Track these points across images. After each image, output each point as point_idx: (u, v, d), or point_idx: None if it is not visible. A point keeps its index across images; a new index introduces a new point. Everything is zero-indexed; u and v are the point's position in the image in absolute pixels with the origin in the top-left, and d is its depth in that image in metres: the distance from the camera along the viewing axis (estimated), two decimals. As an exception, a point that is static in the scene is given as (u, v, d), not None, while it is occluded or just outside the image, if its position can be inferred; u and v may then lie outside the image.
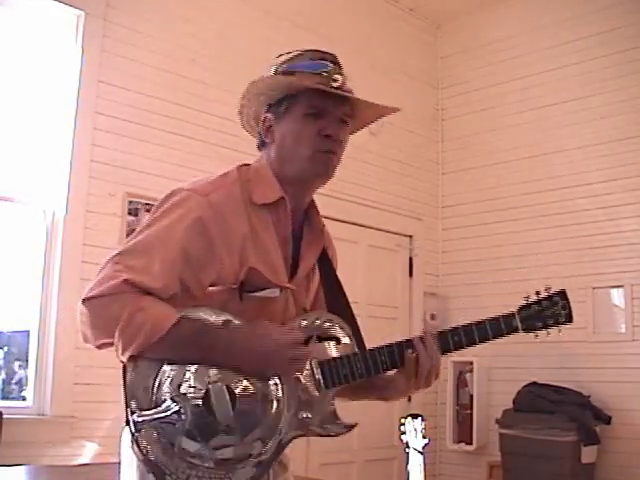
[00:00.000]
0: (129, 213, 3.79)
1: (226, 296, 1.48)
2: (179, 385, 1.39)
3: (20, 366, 3.66)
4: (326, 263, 1.71)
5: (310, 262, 1.66)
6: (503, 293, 5.03)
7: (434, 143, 5.71)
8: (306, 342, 1.52)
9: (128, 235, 3.74)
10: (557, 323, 1.66)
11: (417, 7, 5.59)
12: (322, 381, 1.55)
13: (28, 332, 3.55)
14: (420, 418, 2.38)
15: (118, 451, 1.55)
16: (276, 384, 1.48)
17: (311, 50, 1.63)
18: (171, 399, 1.38)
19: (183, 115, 4.06)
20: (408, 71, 5.56)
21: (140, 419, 1.36)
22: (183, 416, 1.37)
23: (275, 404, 1.47)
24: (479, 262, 5.25)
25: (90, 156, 3.68)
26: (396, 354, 1.60)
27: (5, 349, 3.72)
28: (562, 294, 1.68)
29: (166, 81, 4.03)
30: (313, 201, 1.68)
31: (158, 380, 1.39)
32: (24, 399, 3.52)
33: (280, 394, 1.49)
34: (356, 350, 1.61)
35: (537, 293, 1.68)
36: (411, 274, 5.38)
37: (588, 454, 4.31)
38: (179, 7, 4.18)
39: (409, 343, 1.61)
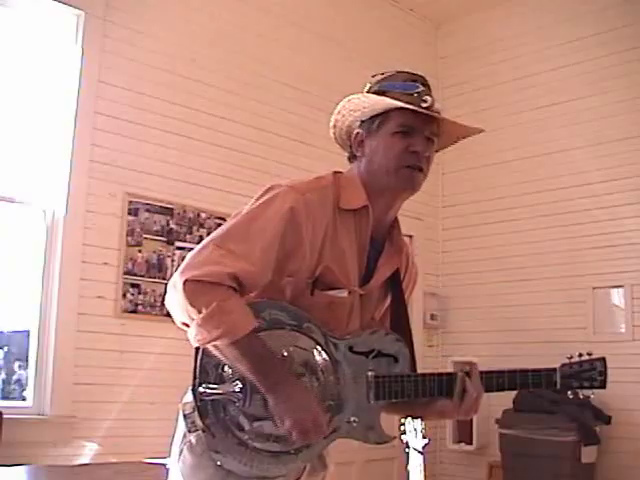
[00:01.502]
0: (129, 213, 3.79)
1: (299, 289, 1.58)
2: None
3: (20, 366, 3.66)
4: (397, 284, 1.79)
5: (383, 275, 1.73)
6: (503, 293, 5.04)
7: (434, 143, 5.70)
8: (367, 354, 1.66)
9: (128, 235, 3.78)
10: (591, 387, 1.86)
11: (417, 7, 5.59)
12: (374, 393, 1.65)
13: (28, 332, 3.55)
14: (420, 418, 2.38)
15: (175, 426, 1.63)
16: (338, 383, 1.61)
17: (404, 72, 1.74)
18: (238, 379, 1.49)
19: (183, 115, 4.06)
20: (408, 71, 5.56)
21: (207, 390, 1.48)
22: (243, 396, 1.49)
23: (331, 402, 1.59)
24: (479, 262, 5.25)
25: (90, 156, 3.68)
26: (444, 384, 1.71)
27: (5, 349, 3.72)
28: (603, 361, 1.85)
29: (166, 81, 4.03)
30: (398, 221, 1.78)
31: (227, 364, 1.51)
32: (24, 399, 3.52)
33: (338, 393, 1.61)
34: (409, 372, 1.72)
35: (580, 355, 1.89)
36: (411, 274, 5.37)
37: (588, 454, 4.31)
38: (179, 7, 4.18)
39: (455, 376, 1.72)
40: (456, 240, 5.52)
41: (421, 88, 1.70)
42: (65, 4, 3.65)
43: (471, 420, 5.06)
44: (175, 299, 1.48)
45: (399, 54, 5.50)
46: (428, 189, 5.63)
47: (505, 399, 4.70)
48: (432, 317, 5.36)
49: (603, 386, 1.82)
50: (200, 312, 1.44)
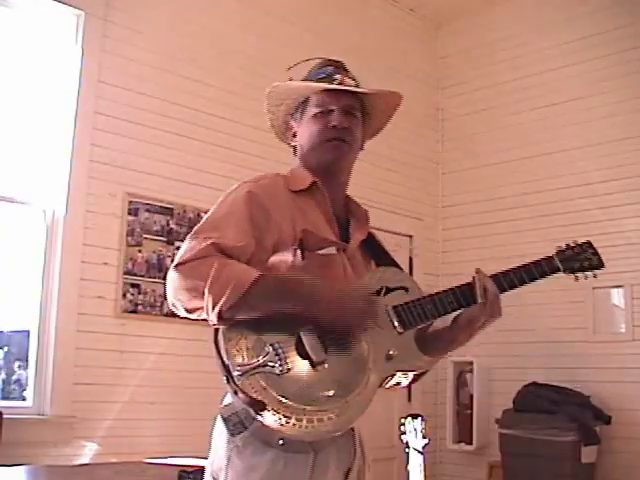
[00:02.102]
0: (129, 213, 3.79)
1: (290, 260, 1.62)
2: (271, 336, 1.50)
3: (20, 366, 3.66)
4: (376, 248, 1.91)
5: (358, 239, 1.83)
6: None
7: (434, 143, 5.71)
8: (377, 293, 1.69)
9: (128, 235, 3.78)
10: (591, 267, 1.87)
11: (417, 7, 5.59)
12: (399, 322, 1.67)
13: (28, 332, 3.55)
14: (420, 418, 2.38)
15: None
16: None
17: (322, 59, 1.87)
18: (269, 345, 1.48)
19: (183, 115, 4.06)
20: (408, 71, 5.56)
21: (240, 371, 1.45)
22: (279, 359, 1.48)
23: (363, 344, 1.59)
24: (479, 262, 5.22)
25: (90, 156, 3.68)
26: (463, 293, 1.77)
27: (5, 349, 3.72)
28: (589, 243, 1.90)
29: (166, 81, 4.03)
30: (349, 197, 1.90)
31: (251, 336, 1.50)
32: (24, 399, 3.52)
33: (364, 335, 1.60)
34: (428, 294, 1.75)
35: (567, 245, 1.90)
36: (411, 274, 5.38)
37: (588, 454, 4.31)
38: (179, 7, 4.18)
39: (472, 280, 1.80)
40: (456, 240, 5.52)
41: (330, 69, 1.81)
42: (65, 4, 3.65)
43: (471, 420, 5.07)
44: (177, 288, 1.51)
45: (399, 54, 5.51)
46: (428, 189, 5.64)
47: (505, 399, 4.71)
48: (432, 317, 5.37)
49: (602, 264, 1.87)
50: (206, 278, 1.46)
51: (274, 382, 1.46)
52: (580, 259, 1.88)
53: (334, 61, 1.85)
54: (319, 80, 1.78)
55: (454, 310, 1.75)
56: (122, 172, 3.79)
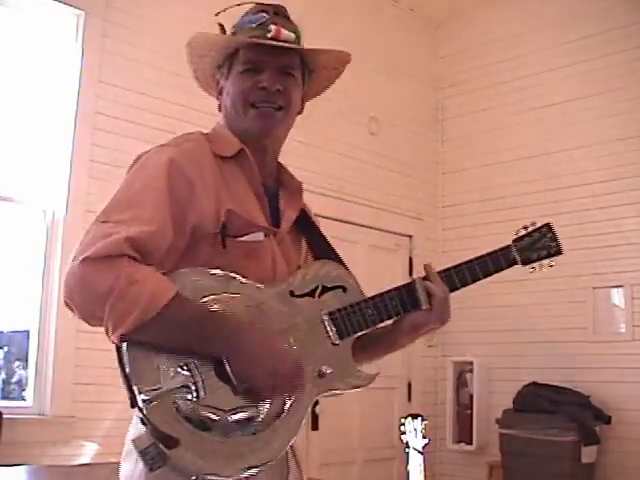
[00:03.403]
0: (129, 213, 3.78)
1: (209, 247, 1.39)
2: (185, 354, 1.29)
3: (20, 366, 3.66)
4: (308, 224, 1.63)
5: (290, 218, 1.57)
6: (503, 293, 5.03)
7: (434, 143, 5.71)
8: (312, 293, 1.48)
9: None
10: (549, 255, 1.70)
11: (417, 7, 5.59)
12: (336, 332, 1.47)
13: (28, 332, 3.55)
14: (420, 418, 2.38)
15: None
16: (289, 342, 1.40)
17: (255, 3, 1.61)
18: (184, 365, 1.27)
19: (183, 115, 4.06)
20: (408, 71, 5.56)
21: (149, 396, 1.25)
22: (194, 383, 1.27)
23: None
24: (479, 262, 5.24)
25: (90, 156, 3.68)
26: (406, 296, 1.56)
27: (5, 349, 3.72)
28: (548, 226, 1.73)
29: (166, 81, 4.03)
30: (282, 165, 1.64)
31: (161, 354, 1.28)
32: (24, 399, 3.52)
33: (296, 351, 1.41)
34: (365, 296, 1.55)
35: (525, 227, 1.77)
36: (411, 274, 5.37)
37: (588, 454, 4.31)
38: (179, 7, 4.18)
39: (413, 283, 1.57)
40: (456, 240, 5.52)
41: (266, 17, 1.54)
42: (65, 4, 3.65)
43: (471, 420, 5.07)
44: (76, 291, 1.26)
45: (399, 54, 5.51)
46: (428, 189, 5.64)
47: (505, 399, 4.71)
48: (432, 317, 5.37)
49: (560, 251, 1.70)
50: (110, 292, 1.22)
51: (187, 410, 1.26)
52: (538, 247, 1.72)
53: (270, 5, 1.58)
54: (251, 30, 1.52)
55: (398, 315, 1.55)
56: (122, 172, 3.76)
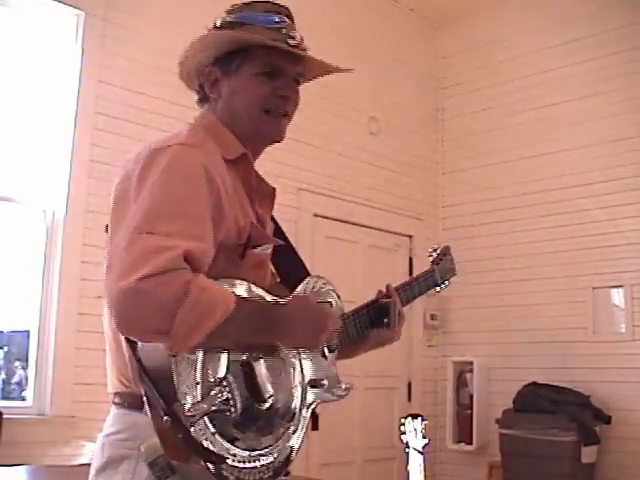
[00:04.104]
0: (129, 213, 3.78)
1: (226, 258, 1.36)
2: (220, 368, 1.30)
3: (20, 366, 3.66)
4: (278, 226, 1.63)
5: (271, 226, 1.58)
6: (503, 293, 5.04)
7: (434, 143, 5.71)
8: None
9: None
10: (453, 275, 2.01)
11: (417, 7, 5.59)
12: (327, 346, 1.56)
13: (28, 332, 3.55)
14: (420, 418, 2.38)
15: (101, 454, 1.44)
16: (294, 355, 1.46)
17: (263, 1, 1.53)
18: (222, 381, 1.27)
19: (183, 115, 4.04)
20: (408, 71, 5.56)
21: (193, 414, 1.21)
22: (233, 400, 1.28)
23: (298, 374, 1.46)
24: (479, 262, 5.25)
25: (90, 156, 3.68)
26: (378, 314, 1.71)
27: (5, 349, 3.72)
28: (448, 248, 2.00)
29: (166, 81, 4.03)
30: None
31: (199, 370, 1.26)
32: (24, 399, 3.52)
33: (298, 364, 1.46)
34: (346, 313, 1.66)
35: (434, 250, 1.98)
36: (411, 274, 5.38)
37: (588, 454, 4.31)
38: (179, 7, 4.18)
39: (382, 301, 1.73)
40: (456, 240, 5.51)
41: (287, 22, 1.52)
42: (65, 4, 3.65)
43: (471, 420, 5.07)
44: (132, 309, 1.16)
45: (399, 54, 5.51)
46: (428, 189, 5.64)
47: (505, 399, 4.71)
48: (432, 317, 5.37)
49: (455, 272, 2.01)
50: (179, 301, 1.15)
51: (223, 427, 1.25)
52: (447, 269, 1.96)
53: (284, 7, 1.55)
54: (266, 30, 1.46)
55: (367, 331, 1.69)
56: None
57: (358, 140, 5.05)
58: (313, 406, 1.49)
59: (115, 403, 1.41)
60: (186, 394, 1.22)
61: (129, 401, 1.35)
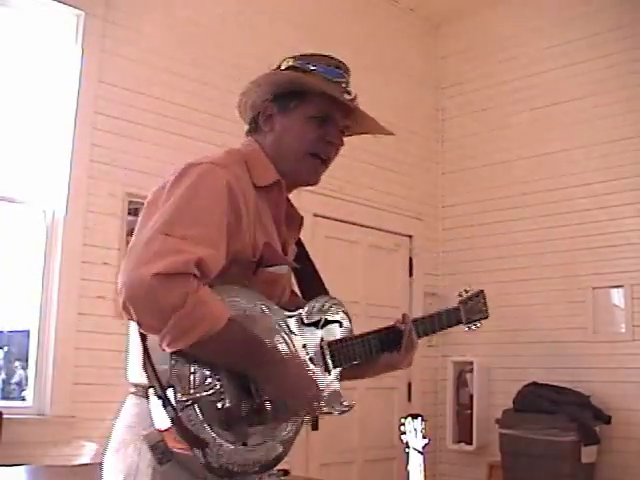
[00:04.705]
0: (129, 213, 3.78)
1: (239, 272, 1.48)
2: (216, 367, 1.42)
3: (20, 366, 3.66)
4: (304, 254, 1.77)
5: (294, 250, 1.72)
6: (503, 293, 5.03)
7: (434, 143, 5.71)
8: (317, 323, 1.66)
9: (128, 235, 3.77)
10: (483, 318, 2.03)
11: (417, 7, 5.59)
12: (331, 362, 1.65)
13: (28, 332, 3.55)
14: (420, 418, 2.38)
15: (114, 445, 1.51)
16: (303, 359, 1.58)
17: (327, 55, 1.69)
18: (215, 376, 1.40)
19: (183, 115, 4.06)
20: (408, 71, 5.56)
21: (183, 399, 1.35)
22: (223, 394, 1.40)
23: None
24: (479, 262, 5.25)
25: (90, 156, 3.68)
26: (391, 338, 1.77)
27: (5, 349, 3.72)
28: (482, 293, 2.04)
29: (166, 81, 4.03)
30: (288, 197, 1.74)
31: (197, 364, 1.39)
32: (24, 399, 3.52)
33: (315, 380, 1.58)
34: (357, 334, 1.74)
35: (465, 291, 2.02)
36: (411, 274, 5.38)
37: (588, 454, 4.31)
38: (179, 7, 4.18)
39: (396, 326, 1.80)
40: (456, 240, 5.52)
41: (345, 77, 1.65)
42: (65, 4, 3.65)
43: (471, 420, 5.07)
44: (140, 300, 1.32)
45: (399, 54, 5.51)
46: (428, 189, 5.64)
47: (505, 399, 4.71)
48: (432, 317, 5.36)
49: (487, 316, 2.05)
50: (175, 309, 1.29)
51: (212, 416, 1.37)
52: (476, 310, 2.01)
53: (343, 63, 1.69)
54: (326, 80, 1.61)
55: (377, 354, 1.76)
56: (122, 172, 3.79)
57: (358, 140, 5.04)
58: (311, 417, 1.61)
59: (131, 392, 1.57)
60: (181, 381, 1.36)
61: (139, 388, 1.50)
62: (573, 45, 5.00)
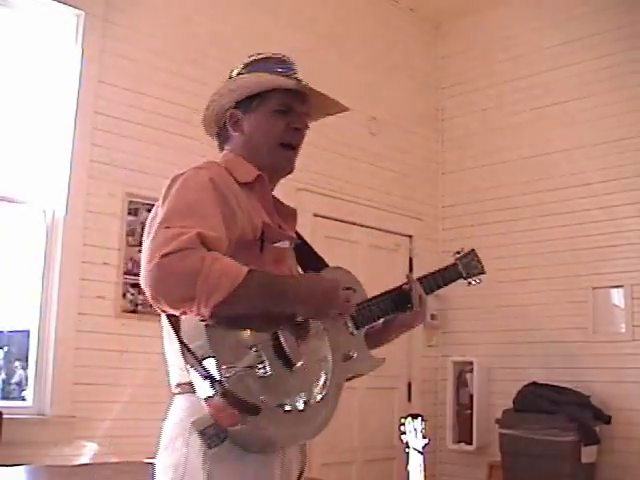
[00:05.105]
0: (129, 213, 3.79)
1: (247, 253, 1.56)
2: (250, 336, 1.48)
3: (20, 366, 3.66)
4: (302, 240, 1.88)
5: (293, 234, 1.81)
6: (503, 293, 5.04)
7: (434, 143, 5.71)
8: None
9: (128, 235, 3.77)
10: (480, 273, 2.19)
11: (417, 7, 5.59)
12: (352, 324, 1.77)
13: (28, 332, 3.55)
14: (420, 418, 2.38)
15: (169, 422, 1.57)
16: (322, 329, 1.66)
17: (272, 55, 1.83)
18: (252, 346, 1.46)
19: (183, 115, 4.06)
20: (408, 71, 5.56)
21: (229, 372, 1.40)
22: (262, 364, 1.46)
23: (326, 345, 1.66)
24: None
25: (90, 156, 3.68)
26: (400, 298, 1.89)
27: (5, 349, 3.72)
28: (473, 251, 2.22)
29: (166, 81, 4.03)
30: (274, 196, 1.82)
31: (231, 337, 1.45)
32: (24, 399, 3.52)
33: (326, 338, 1.67)
34: (371, 296, 1.87)
35: (458, 252, 2.18)
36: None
37: (588, 454, 4.31)
38: (179, 7, 4.18)
39: (403, 287, 1.92)
40: (456, 240, 5.51)
41: (294, 68, 1.79)
42: (65, 4, 3.65)
43: (471, 420, 5.07)
44: (164, 280, 1.39)
45: (399, 54, 5.51)
46: (428, 189, 5.64)
47: (505, 399, 4.71)
48: (432, 317, 5.36)
49: (484, 271, 2.20)
50: (198, 270, 1.36)
51: (258, 385, 1.44)
52: (473, 266, 2.18)
53: (287, 58, 1.83)
54: (285, 76, 1.74)
55: (392, 313, 1.88)
56: (122, 172, 3.79)
57: (358, 140, 5.05)
58: (346, 377, 1.71)
59: (174, 393, 1.61)
60: (220, 355, 1.41)
61: (183, 386, 1.55)
62: (573, 45, 5.00)
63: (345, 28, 5.05)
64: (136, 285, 3.78)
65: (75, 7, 3.69)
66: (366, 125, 5.13)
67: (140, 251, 3.93)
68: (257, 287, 1.45)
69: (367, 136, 5.12)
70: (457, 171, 5.60)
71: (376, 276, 5.22)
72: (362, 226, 5.02)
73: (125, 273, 3.73)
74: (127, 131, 3.82)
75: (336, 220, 4.82)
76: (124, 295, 3.73)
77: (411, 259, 5.40)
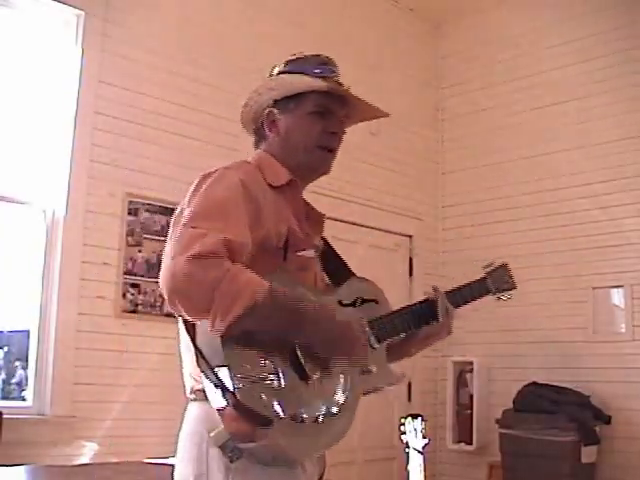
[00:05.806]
0: (129, 213, 3.79)
1: (271, 260, 1.55)
2: (267, 348, 1.46)
3: (20, 366, 3.66)
4: (329, 247, 1.85)
5: (318, 241, 1.79)
6: (503, 293, 5.02)
7: (434, 143, 5.71)
8: (354, 304, 1.74)
9: (128, 235, 3.77)
10: (511, 288, 2.12)
11: (417, 7, 5.59)
12: (374, 337, 1.73)
13: (28, 332, 3.55)
14: (420, 418, 2.38)
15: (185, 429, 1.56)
16: None
17: (315, 55, 1.80)
18: (269, 358, 1.44)
19: (183, 115, 4.06)
20: (408, 71, 5.56)
21: (241, 383, 1.39)
22: (278, 375, 1.45)
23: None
24: (479, 262, 5.23)
25: (90, 156, 3.68)
26: (427, 309, 1.84)
27: (5, 349, 3.72)
28: (506, 265, 2.13)
29: (166, 81, 4.03)
30: (305, 200, 1.80)
31: (247, 348, 1.43)
32: (24, 399, 3.52)
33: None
34: (395, 309, 1.82)
35: (488, 266, 2.10)
36: (411, 274, 5.38)
37: (588, 454, 4.31)
38: (179, 7, 4.18)
39: (429, 298, 1.86)
40: (456, 240, 5.52)
41: (335, 71, 1.77)
42: (65, 4, 3.65)
43: (471, 420, 5.07)
44: (184, 284, 1.37)
45: (399, 54, 5.51)
46: (428, 189, 5.64)
47: (505, 399, 4.71)
48: (432, 317, 5.37)
49: (515, 286, 2.13)
50: (218, 282, 1.35)
51: (272, 397, 1.42)
52: (503, 281, 2.11)
53: (330, 58, 1.80)
54: (324, 78, 1.72)
55: (417, 327, 1.83)
56: (122, 172, 3.79)
57: (358, 140, 5.04)
58: (363, 391, 1.70)
59: (190, 400, 1.59)
60: (235, 367, 1.39)
61: (198, 393, 1.53)
62: (573, 45, 5.00)
63: (345, 28, 5.05)
64: (136, 285, 3.78)
65: (75, 7, 3.69)
66: (366, 125, 5.12)
67: (140, 251, 3.95)
68: (275, 309, 1.42)
69: (367, 136, 5.12)
70: (457, 171, 5.60)
71: (376, 276, 5.22)
72: (362, 226, 5.02)
73: (125, 273, 3.73)
74: (127, 131, 3.82)
75: (336, 220, 4.82)
76: (124, 295, 3.73)
77: (411, 259, 5.40)
